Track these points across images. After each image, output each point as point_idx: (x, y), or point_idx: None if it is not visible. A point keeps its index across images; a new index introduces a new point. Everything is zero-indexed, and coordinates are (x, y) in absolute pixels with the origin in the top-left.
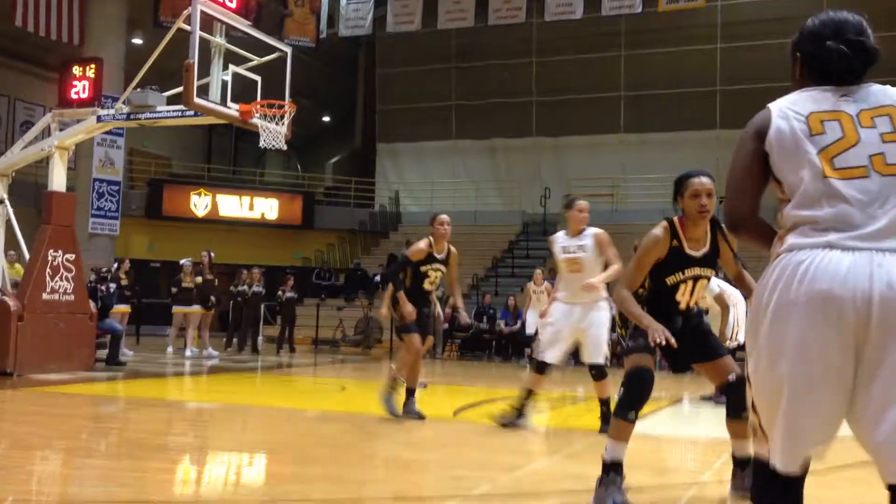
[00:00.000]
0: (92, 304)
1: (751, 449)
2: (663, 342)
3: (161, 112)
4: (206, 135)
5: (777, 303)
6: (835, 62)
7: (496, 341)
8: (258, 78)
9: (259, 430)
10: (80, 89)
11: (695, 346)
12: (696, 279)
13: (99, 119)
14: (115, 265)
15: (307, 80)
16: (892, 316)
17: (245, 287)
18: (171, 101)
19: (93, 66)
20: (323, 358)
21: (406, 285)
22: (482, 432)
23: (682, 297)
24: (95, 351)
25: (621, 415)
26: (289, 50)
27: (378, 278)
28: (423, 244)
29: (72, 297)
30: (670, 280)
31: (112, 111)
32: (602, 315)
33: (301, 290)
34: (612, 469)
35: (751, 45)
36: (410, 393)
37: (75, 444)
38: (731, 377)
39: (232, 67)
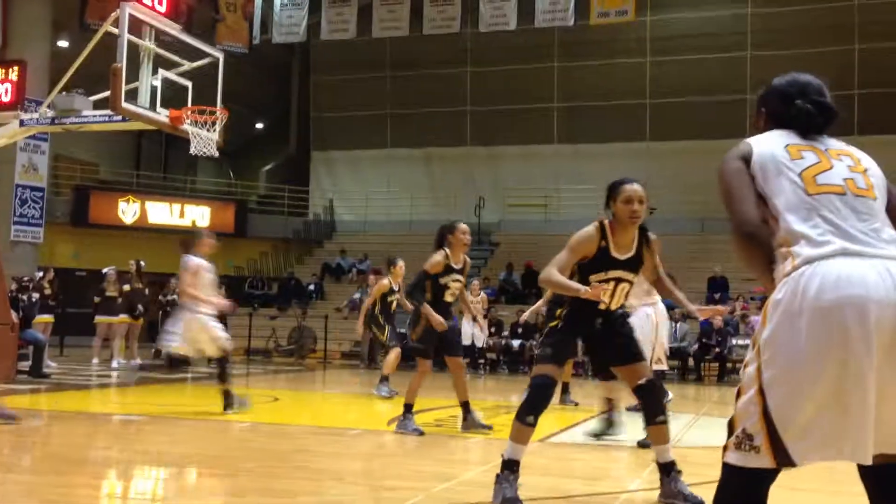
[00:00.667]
0: (14, 315)
1: (671, 454)
2: (606, 299)
3: (87, 117)
4: (136, 141)
5: (802, 311)
6: (802, 119)
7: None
8: (189, 83)
9: (188, 443)
10: (1, 92)
11: (613, 348)
12: (617, 281)
13: (22, 123)
14: (39, 274)
15: (240, 86)
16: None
17: (174, 296)
18: (99, 105)
19: (15, 68)
20: (255, 368)
21: (427, 298)
22: (416, 443)
23: (604, 297)
24: (17, 363)
25: (521, 419)
26: (220, 55)
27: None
28: (440, 256)
29: None
30: (593, 278)
31: (36, 115)
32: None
33: (233, 299)
34: (508, 467)
35: (678, 60)
36: (408, 409)
37: None
38: (643, 381)
39: (162, 72)
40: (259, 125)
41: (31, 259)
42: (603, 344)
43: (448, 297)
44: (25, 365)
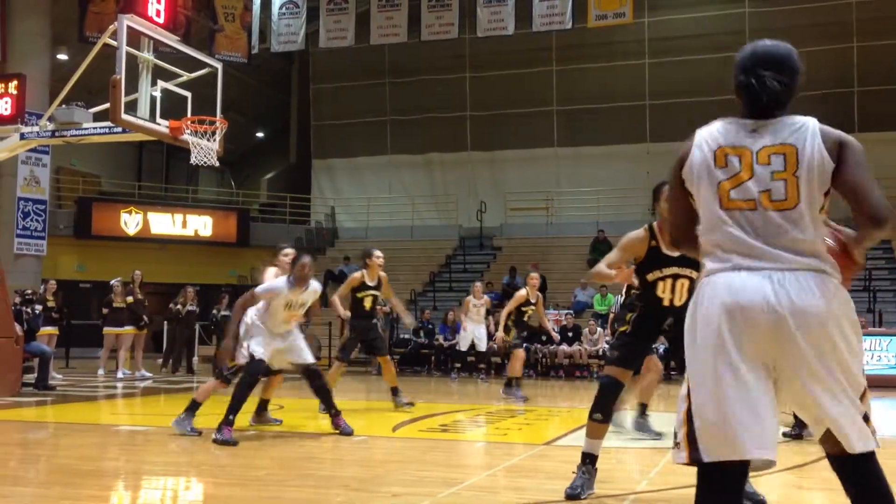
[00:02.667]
0: (18, 328)
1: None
2: (665, 295)
3: (88, 129)
4: (137, 152)
5: (703, 314)
6: (746, 97)
7: (435, 356)
8: (188, 94)
9: (194, 453)
10: (2, 106)
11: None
12: (675, 277)
13: (22, 136)
14: (42, 286)
15: (240, 95)
16: (796, 324)
17: (179, 306)
18: (99, 117)
19: (15, 81)
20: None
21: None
22: (421, 448)
23: (664, 294)
24: (22, 375)
25: (590, 416)
26: (219, 65)
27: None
28: (358, 274)
29: None
30: (650, 277)
31: (36, 128)
32: None
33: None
34: (585, 460)
35: (678, 60)
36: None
37: (3, 472)
38: None
39: (161, 83)
40: (259, 134)
41: (35, 271)
42: (677, 343)
43: (366, 305)
44: (31, 377)
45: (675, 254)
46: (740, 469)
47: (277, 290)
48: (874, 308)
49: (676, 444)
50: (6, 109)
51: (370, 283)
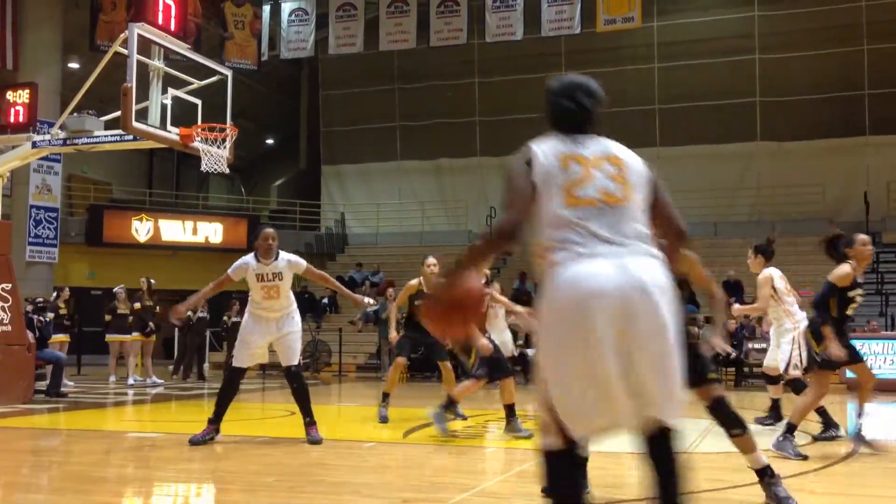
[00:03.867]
0: (30, 335)
1: (762, 458)
2: None
3: (99, 137)
4: (148, 159)
5: (558, 306)
6: (565, 119)
7: None
8: (198, 101)
9: (206, 459)
10: (14, 115)
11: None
12: None
13: (34, 145)
14: (54, 294)
15: (250, 102)
16: (640, 306)
17: (189, 313)
18: (110, 125)
19: (27, 90)
20: (271, 383)
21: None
22: (432, 454)
23: None
24: (34, 382)
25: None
26: (229, 73)
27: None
28: (415, 282)
29: (8, 328)
30: None
31: (47, 136)
32: None
33: None
34: (764, 472)
35: (686, 65)
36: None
37: (15, 478)
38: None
39: (171, 91)
40: (269, 141)
41: (47, 279)
42: None
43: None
44: (43, 384)
45: None
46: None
47: (244, 264)
48: (886, 311)
49: (541, 431)
50: (18, 118)
51: (427, 291)
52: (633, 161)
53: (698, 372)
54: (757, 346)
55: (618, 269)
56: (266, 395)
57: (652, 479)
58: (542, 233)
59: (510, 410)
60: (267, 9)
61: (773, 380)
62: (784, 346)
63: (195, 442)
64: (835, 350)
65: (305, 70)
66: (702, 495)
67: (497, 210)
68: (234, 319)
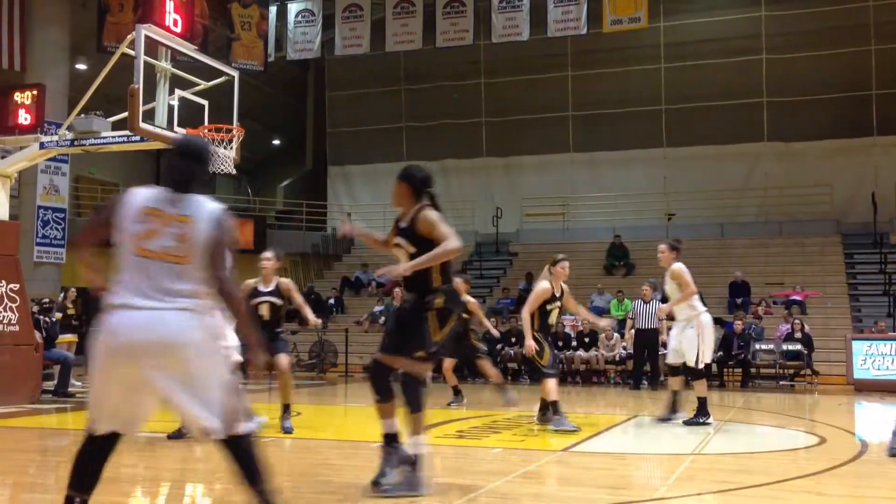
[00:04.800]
0: (37, 335)
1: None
2: None
3: (106, 138)
4: (155, 160)
5: (104, 340)
6: (167, 175)
7: None
8: (205, 102)
9: (212, 459)
10: (21, 116)
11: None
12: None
13: (42, 146)
14: (62, 294)
15: (256, 103)
16: (158, 350)
17: None
18: (117, 126)
19: (35, 91)
20: (276, 383)
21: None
22: (438, 455)
23: None
24: (42, 382)
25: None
26: (236, 74)
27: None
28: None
29: (16, 328)
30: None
31: (55, 138)
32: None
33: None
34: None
35: (693, 65)
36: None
37: (23, 479)
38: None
39: (178, 92)
40: (276, 141)
41: (55, 279)
42: None
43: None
44: (50, 385)
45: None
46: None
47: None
48: (893, 312)
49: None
50: (26, 119)
51: (557, 294)
52: (203, 229)
53: (400, 346)
54: (764, 346)
55: (151, 319)
56: (272, 395)
57: (237, 474)
58: (116, 271)
59: (552, 405)
60: (273, 10)
61: (676, 371)
62: (690, 340)
63: (174, 437)
64: None
65: (312, 71)
66: (707, 497)
67: (502, 210)
68: None
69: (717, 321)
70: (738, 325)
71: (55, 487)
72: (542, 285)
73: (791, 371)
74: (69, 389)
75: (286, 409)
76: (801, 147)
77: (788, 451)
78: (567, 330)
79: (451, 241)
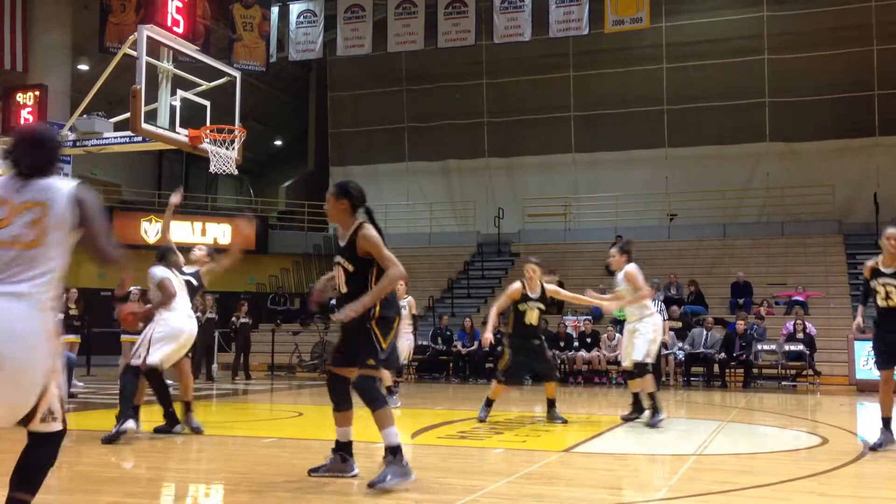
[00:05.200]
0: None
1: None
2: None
3: (108, 138)
4: (157, 161)
5: None
6: (13, 159)
7: (453, 362)
8: (207, 103)
9: (214, 460)
10: (24, 117)
11: None
12: None
13: None
14: (64, 295)
15: (258, 104)
16: None
17: (199, 314)
18: (119, 127)
19: (37, 92)
20: (279, 384)
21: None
22: (440, 455)
23: None
24: None
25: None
26: (238, 74)
27: None
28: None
29: None
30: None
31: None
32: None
33: (256, 315)
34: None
35: (695, 65)
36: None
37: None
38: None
39: (180, 93)
40: (278, 142)
41: None
42: None
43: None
44: None
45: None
46: None
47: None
48: None
49: None
50: (28, 120)
51: (531, 294)
52: (57, 210)
53: (351, 358)
54: (766, 347)
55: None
56: (274, 395)
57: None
58: None
59: (488, 402)
60: (275, 10)
61: (632, 374)
62: (640, 338)
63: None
64: None
65: (314, 71)
66: (709, 497)
67: (504, 211)
68: (242, 320)
69: (720, 322)
70: (741, 326)
71: (57, 488)
72: (514, 285)
73: (793, 371)
74: (71, 389)
75: (188, 406)
76: (803, 147)
77: (790, 452)
78: (569, 330)
79: (395, 270)
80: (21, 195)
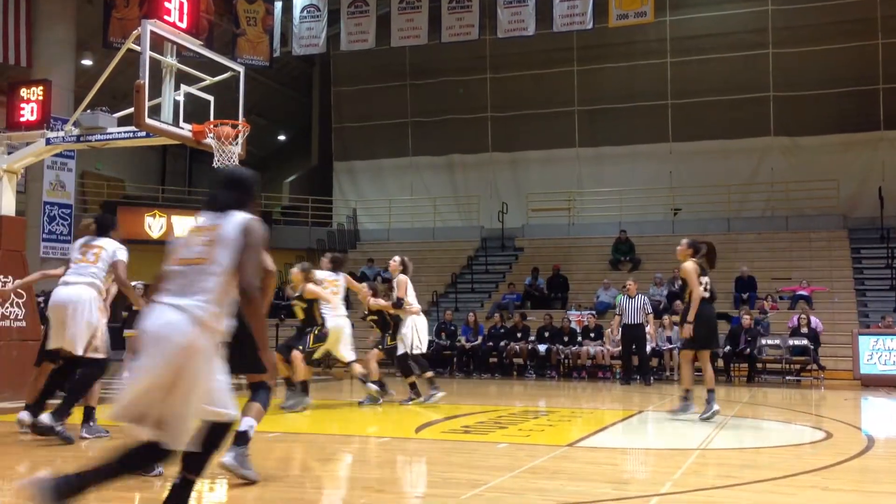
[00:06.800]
0: (44, 330)
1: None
2: None
3: (112, 133)
4: (161, 156)
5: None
6: (209, 197)
7: (457, 357)
8: (211, 98)
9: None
10: (28, 112)
11: None
12: None
13: (48, 141)
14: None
15: (262, 99)
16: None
17: None
18: (123, 122)
19: (41, 87)
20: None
21: None
22: (444, 450)
23: None
24: None
25: None
26: (241, 69)
27: None
28: None
29: (23, 324)
30: None
31: (61, 133)
32: None
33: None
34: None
35: (699, 59)
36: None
37: (27, 475)
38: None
39: (184, 87)
40: (281, 137)
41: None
42: None
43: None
44: None
45: None
46: None
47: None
48: None
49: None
50: (32, 115)
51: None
52: (225, 233)
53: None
54: (771, 341)
55: (167, 311)
56: (280, 390)
57: None
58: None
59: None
60: (279, 5)
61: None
62: (405, 330)
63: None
64: None
65: (317, 66)
66: (713, 492)
67: (508, 205)
68: None
69: (724, 316)
70: (746, 320)
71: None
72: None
73: (797, 366)
74: None
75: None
76: (807, 142)
77: (794, 447)
78: (573, 325)
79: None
80: (207, 219)
